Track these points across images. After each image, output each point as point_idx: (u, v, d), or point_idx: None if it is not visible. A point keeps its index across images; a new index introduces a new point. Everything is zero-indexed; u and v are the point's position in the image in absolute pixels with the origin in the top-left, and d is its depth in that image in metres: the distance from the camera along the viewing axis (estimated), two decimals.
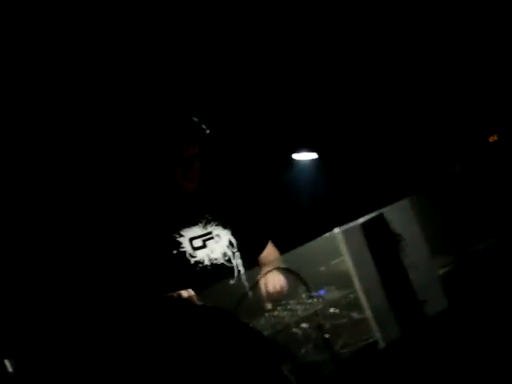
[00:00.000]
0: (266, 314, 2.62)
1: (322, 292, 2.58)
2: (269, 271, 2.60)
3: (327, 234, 2.12)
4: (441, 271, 2.52)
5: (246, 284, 2.89)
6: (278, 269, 2.66)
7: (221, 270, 2.98)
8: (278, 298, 2.80)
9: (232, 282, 2.94)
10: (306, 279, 2.26)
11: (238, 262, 3.04)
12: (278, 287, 2.84)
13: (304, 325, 2.40)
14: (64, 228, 3.89)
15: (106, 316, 2.44)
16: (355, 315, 2.40)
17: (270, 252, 3.20)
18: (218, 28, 3.78)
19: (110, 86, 3.88)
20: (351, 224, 2.14)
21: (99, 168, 3.99)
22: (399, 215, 2.23)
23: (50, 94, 3.71)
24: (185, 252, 2.96)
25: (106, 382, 1.82)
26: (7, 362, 2.45)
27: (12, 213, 3.65)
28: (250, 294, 2.83)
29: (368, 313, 2.15)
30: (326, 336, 2.23)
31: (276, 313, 2.60)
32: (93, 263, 3.11)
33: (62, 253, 3.79)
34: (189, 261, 2.96)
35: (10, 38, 3.46)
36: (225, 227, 3.09)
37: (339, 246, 2.13)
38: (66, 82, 3.74)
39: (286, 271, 2.31)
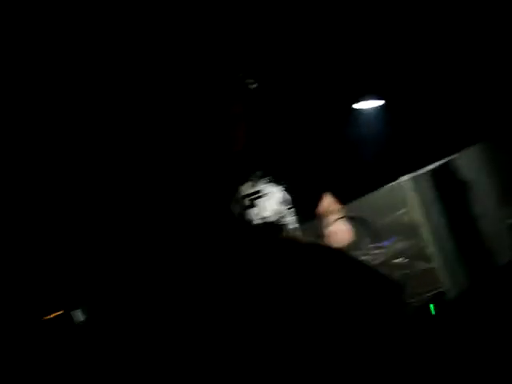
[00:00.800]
0: None
1: (386, 243, 2.55)
2: (332, 221, 2.56)
3: (394, 183, 2.07)
4: (510, 221, 2.45)
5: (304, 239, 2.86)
6: (341, 218, 2.62)
7: (274, 228, 2.95)
8: (343, 248, 2.77)
9: (287, 239, 2.90)
10: (372, 228, 2.22)
11: (292, 218, 2.99)
12: (341, 238, 2.80)
13: None
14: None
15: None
16: (422, 265, 2.36)
17: (329, 205, 3.13)
18: None
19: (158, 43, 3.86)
20: (419, 172, 2.09)
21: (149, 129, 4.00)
22: (469, 163, 2.17)
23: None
24: (236, 211, 2.93)
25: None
26: (77, 312, 2.52)
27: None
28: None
29: (436, 262, 2.11)
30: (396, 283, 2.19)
31: None
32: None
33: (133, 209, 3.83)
34: (240, 220, 2.93)
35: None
36: (277, 183, 3.04)
37: (406, 194, 2.08)
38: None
39: (351, 220, 2.26)
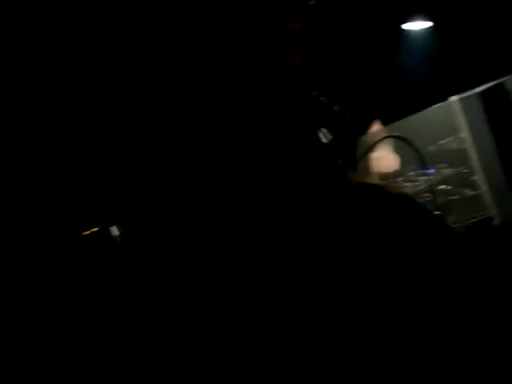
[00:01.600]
0: None
1: (431, 170, 2.48)
2: (378, 140, 2.49)
3: (442, 103, 2.00)
4: None
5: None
6: (387, 138, 2.55)
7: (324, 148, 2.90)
8: (385, 176, 2.72)
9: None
10: (417, 149, 2.15)
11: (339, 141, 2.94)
12: (387, 163, 2.75)
13: None
14: None
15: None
16: (468, 192, 2.30)
17: (377, 129, 3.06)
18: None
19: None
20: (469, 93, 2.01)
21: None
22: None
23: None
24: (284, 134, 2.88)
25: None
26: (114, 227, 2.52)
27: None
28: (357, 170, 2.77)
29: (483, 188, 2.05)
30: (438, 212, 2.14)
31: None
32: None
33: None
34: (289, 142, 2.88)
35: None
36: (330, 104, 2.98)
37: (454, 116, 2.01)
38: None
39: (399, 142, 2.20)
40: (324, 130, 2.58)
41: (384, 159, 2.69)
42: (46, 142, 3.47)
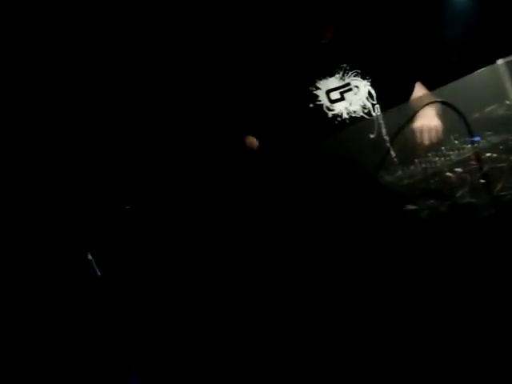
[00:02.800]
0: (417, 160, 2.51)
1: (477, 138, 2.43)
2: (422, 107, 2.44)
3: (487, 68, 1.94)
4: None
5: (387, 137, 2.77)
6: (431, 104, 2.49)
7: (360, 123, 2.85)
8: (430, 143, 2.67)
9: (372, 135, 2.81)
10: (463, 116, 2.10)
11: (378, 114, 2.89)
12: (431, 130, 2.70)
13: (458, 169, 2.28)
14: None
15: None
16: None
17: (421, 95, 2.99)
18: None
19: None
20: None
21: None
22: None
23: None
24: (322, 105, 2.85)
25: None
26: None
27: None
28: (396, 142, 2.73)
29: None
30: (483, 180, 2.09)
31: (428, 158, 2.49)
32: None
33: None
34: (326, 114, 2.84)
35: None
36: (364, 77, 2.93)
37: (502, 80, 1.95)
38: None
39: (443, 104, 2.14)
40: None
41: (428, 126, 2.63)
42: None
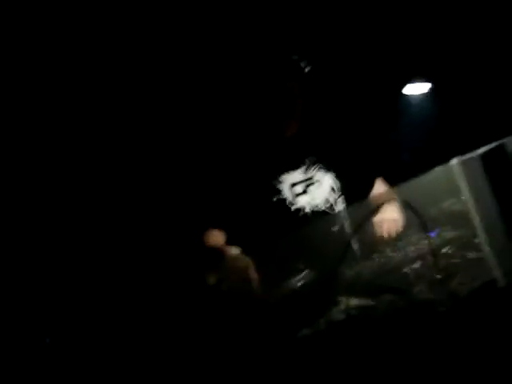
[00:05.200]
0: (375, 255, 2.54)
1: (433, 233, 2.48)
2: (382, 209, 2.50)
3: (442, 166, 2.00)
4: None
5: (350, 230, 2.80)
6: (391, 206, 2.55)
7: (323, 218, 2.89)
8: (389, 238, 2.71)
9: (335, 229, 2.85)
10: (418, 213, 2.15)
11: (341, 207, 2.93)
12: (390, 226, 2.75)
13: (416, 265, 2.32)
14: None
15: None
16: (471, 254, 2.29)
17: (381, 191, 3.05)
18: None
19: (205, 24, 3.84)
20: (470, 155, 2.00)
21: (197, 110, 3.97)
22: None
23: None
24: (285, 199, 2.88)
25: None
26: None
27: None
28: (357, 236, 2.76)
29: (486, 251, 2.03)
30: (440, 276, 2.12)
31: (386, 253, 2.53)
32: (190, 209, 3.09)
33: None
34: (289, 208, 2.88)
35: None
36: (327, 171, 2.98)
37: (455, 179, 2.00)
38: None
39: (401, 206, 2.20)
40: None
41: (388, 222, 2.68)
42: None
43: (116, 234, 3.63)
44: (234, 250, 2.61)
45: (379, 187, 3.07)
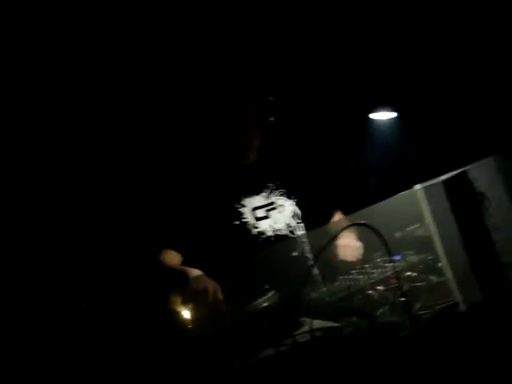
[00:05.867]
0: (341, 277, 2.58)
1: (397, 257, 2.52)
2: (343, 229, 2.53)
3: (406, 192, 2.04)
4: None
5: (310, 255, 2.84)
6: (352, 226, 2.59)
7: (285, 241, 2.92)
8: (352, 262, 2.75)
9: (296, 254, 2.88)
10: (382, 236, 2.19)
11: (302, 233, 2.97)
12: (352, 251, 2.78)
13: (380, 287, 2.35)
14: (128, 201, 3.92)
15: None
16: (434, 278, 2.34)
17: (336, 223, 3.10)
18: None
19: (168, 53, 3.86)
20: (433, 181, 2.05)
21: (158, 138, 3.99)
22: (483, 174, 2.13)
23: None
24: (247, 223, 2.91)
25: None
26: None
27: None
28: (321, 259, 2.80)
29: (448, 276, 2.08)
30: (403, 299, 2.16)
31: (351, 276, 2.56)
32: (152, 232, 3.09)
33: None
34: (251, 231, 2.90)
35: (12, 38, 3.47)
36: (289, 197, 3.02)
37: (419, 204, 2.05)
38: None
39: (365, 226, 2.23)
40: None
41: (349, 247, 2.72)
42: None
43: (77, 252, 3.62)
44: (197, 272, 2.63)
45: (337, 216, 3.13)
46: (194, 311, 2.43)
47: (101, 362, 2.27)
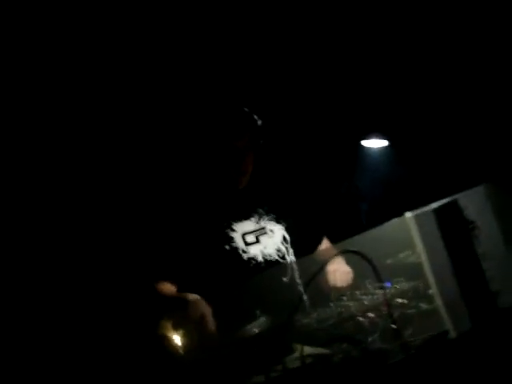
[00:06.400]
0: (332, 304, 2.58)
1: (388, 284, 2.53)
2: (336, 255, 2.55)
3: (397, 219, 2.06)
4: None
5: (300, 281, 2.84)
6: (342, 253, 2.60)
7: (276, 266, 2.93)
8: (342, 287, 2.76)
9: (286, 279, 2.89)
10: (371, 263, 2.20)
11: (291, 258, 2.98)
12: (341, 277, 2.79)
13: (370, 314, 2.36)
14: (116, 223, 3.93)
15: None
16: (424, 305, 2.35)
17: (326, 249, 3.11)
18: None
19: (161, 74, 3.89)
20: (423, 209, 2.07)
21: (149, 161, 4.01)
22: (474, 202, 2.15)
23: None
24: (237, 248, 2.91)
25: None
26: None
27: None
28: (312, 285, 2.81)
29: (439, 303, 2.08)
30: (394, 326, 2.17)
31: (342, 302, 2.57)
32: (143, 257, 3.09)
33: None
34: (241, 256, 2.90)
35: (12, 39, 3.49)
36: (278, 222, 3.03)
37: (409, 232, 2.06)
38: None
39: (355, 253, 2.25)
40: None
41: (338, 272, 2.73)
42: None
43: (68, 278, 3.61)
44: (192, 297, 2.62)
45: (325, 245, 3.15)
46: (185, 337, 2.43)
47: None
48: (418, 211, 2.06)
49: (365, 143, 3.96)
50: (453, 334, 2.04)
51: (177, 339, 2.40)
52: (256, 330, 2.38)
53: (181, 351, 2.37)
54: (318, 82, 4.04)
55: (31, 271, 3.47)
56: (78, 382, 2.33)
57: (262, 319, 2.45)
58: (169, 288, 2.83)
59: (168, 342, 2.40)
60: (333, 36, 3.87)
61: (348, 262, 2.85)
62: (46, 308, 3.35)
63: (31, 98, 3.63)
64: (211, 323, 2.45)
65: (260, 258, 2.91)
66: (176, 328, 2.46)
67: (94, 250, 3.81)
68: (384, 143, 3.96)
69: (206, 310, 2.49)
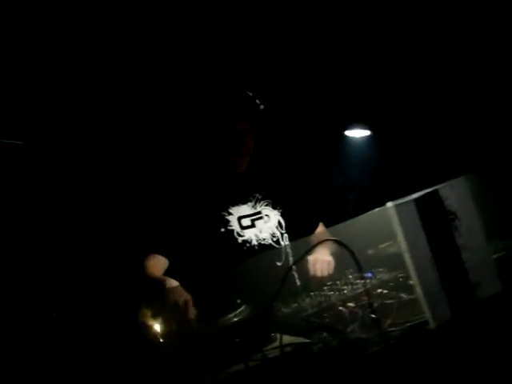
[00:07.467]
0: (312, 293, 2.58)
1: (369, 274, 2.53)
2: (318, 244, 2.54)
3: (379, 209, 2.05)
4: (495, 256, 2.43)
5: (294, 266, 2.84)
6: (326, 241, 2.60)
7: (269, 251, 2.94)
8: (325, 278, 2.76)
9: (279, 263, 2.91)
10: (353, 253, 2.20)
11: (286, 243, 2.99)
12: (324, 266, 2.80)
13: (351, 304, 2.36)
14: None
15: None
16: (404, 296, 2.35)
17: (321, 235, 3.12)
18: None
19: (164, 59, 3.88)
20: (404, 199, 2.07)
21: (149, 143, 3.99)
22: (455, 193, 2.15)
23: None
24: (233, 230, 2.93)
25: None
26: None
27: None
28: (296, 273, 2.81)
29: (418, 293, 2.08)
30: (374, 316, 2.16)
31: (322, 292, 2.57)
32: (141, 237, 3.08)
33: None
34: (236, 239, 2.92)
35: (13, 39, 3.47)
36: (274, 207, 3.05)
37: (390, 222, 2.05)
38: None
39: (336, 246, 2.24)
40: None
41: (319, 262, 2.73)
42: None
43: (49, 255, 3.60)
44: (174, 283, 2.61)
45: (320, 231, 3.15)
46: (164, 325, 2.41)
47: (68, 375, 2.24)
48: (399, 201, 2.05)
49: (348, 133, 3.98)
50: (432, 325, 2.04)
51: (156, 327, 2.39)
52: (235, 319, 2.38)
53: (159, 339, 2.35)
54: (303, 74, 4.05)
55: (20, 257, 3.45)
56: (53, 366, 2.31)
57: (242, 308, 2.44)
58: (161, 268, 2.83)
59: (147, 329, 2.39)
60: (316, 30, 3.88)
61: (329, 252, 2.85)
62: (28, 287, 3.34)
63: (31, 98, 3.61)
64: (191, 311, 2.44)
65: (254, 242, 2.93)
66: (155, 316, 2.44)
67: (84, 226, 3.80)
68: (367, 133, 3.98)
69: (187, 297, 2.48)
